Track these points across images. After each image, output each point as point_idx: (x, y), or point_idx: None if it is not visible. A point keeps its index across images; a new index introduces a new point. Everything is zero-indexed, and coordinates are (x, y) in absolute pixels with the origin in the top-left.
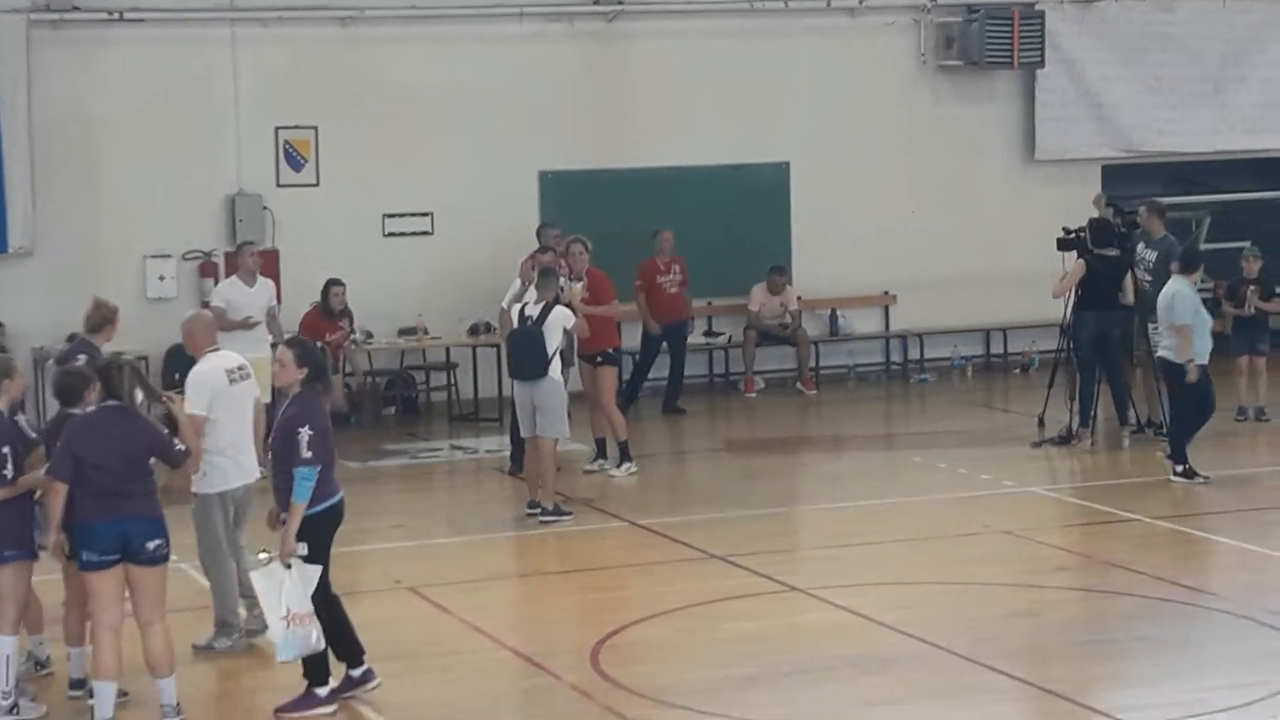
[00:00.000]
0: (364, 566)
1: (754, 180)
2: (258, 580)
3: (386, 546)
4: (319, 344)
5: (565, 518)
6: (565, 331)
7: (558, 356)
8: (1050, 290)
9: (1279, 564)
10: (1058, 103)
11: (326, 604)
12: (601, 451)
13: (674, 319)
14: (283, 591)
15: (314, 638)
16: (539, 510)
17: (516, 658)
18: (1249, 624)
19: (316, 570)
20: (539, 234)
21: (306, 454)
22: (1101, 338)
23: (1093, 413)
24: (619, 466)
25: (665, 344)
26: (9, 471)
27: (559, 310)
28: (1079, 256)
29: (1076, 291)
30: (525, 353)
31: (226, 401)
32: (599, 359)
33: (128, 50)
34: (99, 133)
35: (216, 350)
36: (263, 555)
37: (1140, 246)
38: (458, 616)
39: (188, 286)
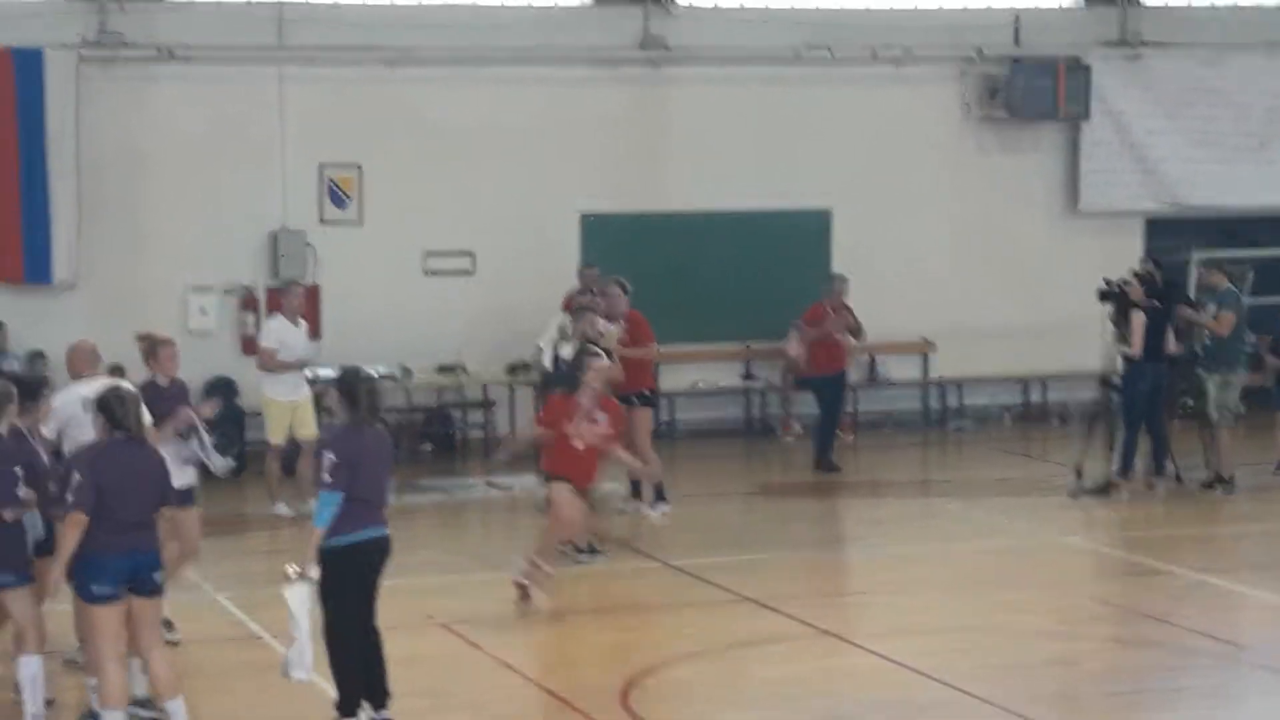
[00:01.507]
0: (397, 602)
1: (795, 226)
2: (287, 598)
3: (420, 582)
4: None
5: (597, 556)
6: None
7: None
8: (1125, 353)
9: None
10: (1102, 155)
11: (337, 642)
12: (636, 492)
13: (835, 368)
14: (302, 611)
15: (291, 664)
16: (570, 548)
17: (547, 696)
18: None
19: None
20: (580, 275)
21: (326, 478)
22: (1156, 389)
23: (1133, 462)
24: (653, 507)
25: (818, 392)
26: (21, 491)
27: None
28: (1138, 310)
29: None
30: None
31: (80, 430)
32: (635, 400)
33: (175, 87)
34: (145, 167)
35: (88, 378)
36: (289, 569)
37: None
38: (489, 654)
39: (229, 320)
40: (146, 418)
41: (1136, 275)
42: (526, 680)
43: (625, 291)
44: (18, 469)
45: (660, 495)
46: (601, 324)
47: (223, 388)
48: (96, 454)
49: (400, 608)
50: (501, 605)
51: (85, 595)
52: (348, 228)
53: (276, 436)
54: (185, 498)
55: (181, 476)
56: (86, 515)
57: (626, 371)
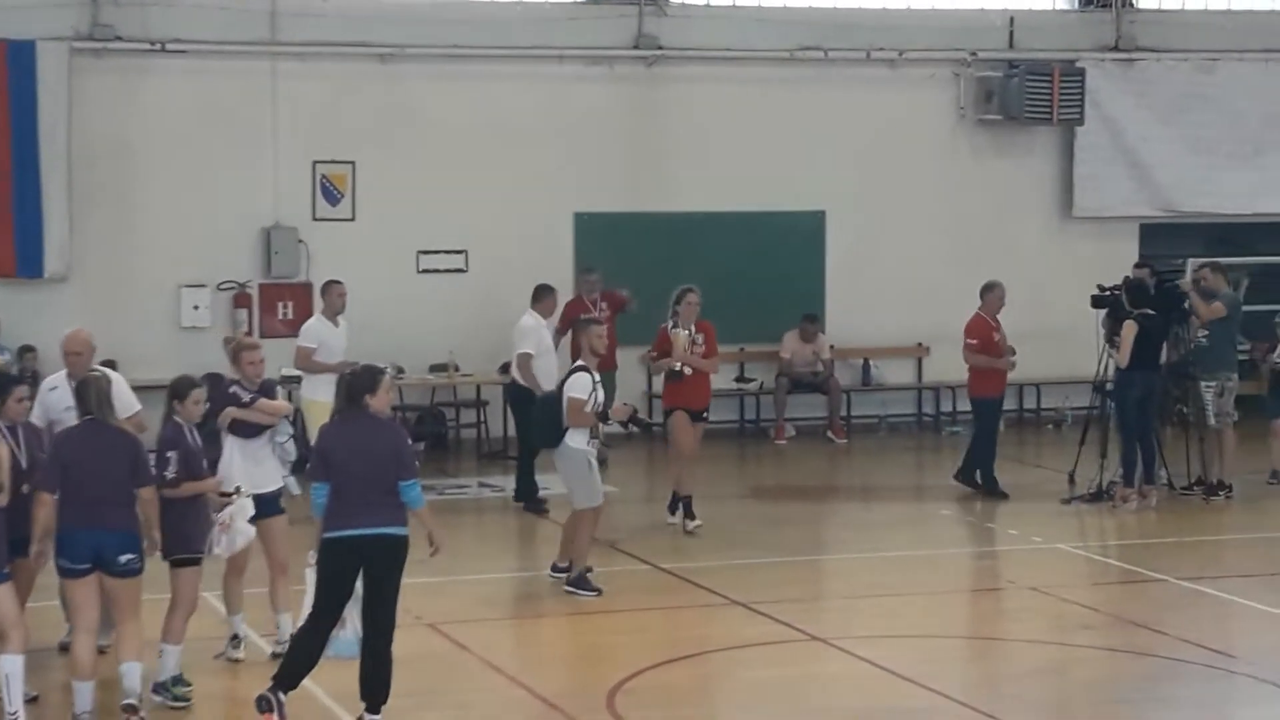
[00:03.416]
0: None
1: (789, 227)
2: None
3: (409, 581)
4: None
5: (588, 594)
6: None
7: (584, 430)
8: (1114, 358)
9: None
10: (1097, 160)
11: (308, 627)
12: (678, 505)
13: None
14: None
15: (347, 636)
16: (562, 573)
17: (533, 698)
18: (1272, 688)
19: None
20: (579, 281)
21: (309, 468)
22: (1147, 398)
23: (1137, 472)
24: (681, 519)
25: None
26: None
27: (575, 378)
28: (1128, 318)
29: (1113, 351)
30: (540, 419)
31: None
32: (705, 414)
33: (168, 81)
34: (137, 161)
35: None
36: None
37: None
38: (476, 654)
39: (221, 316)
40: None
41: (1127, 282)
42: (512, 681)
43: (699, 299)
44: None
45: (688, 509)
46: (682, 333)
47: (215, 384)
48: (64, 436)
49: None
50: (490, 606)
51: (58, 569)
52: (341, 225)
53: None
54: (271, 505)
55: (265, 479)
56: (51, 494)
57: (691, 386)
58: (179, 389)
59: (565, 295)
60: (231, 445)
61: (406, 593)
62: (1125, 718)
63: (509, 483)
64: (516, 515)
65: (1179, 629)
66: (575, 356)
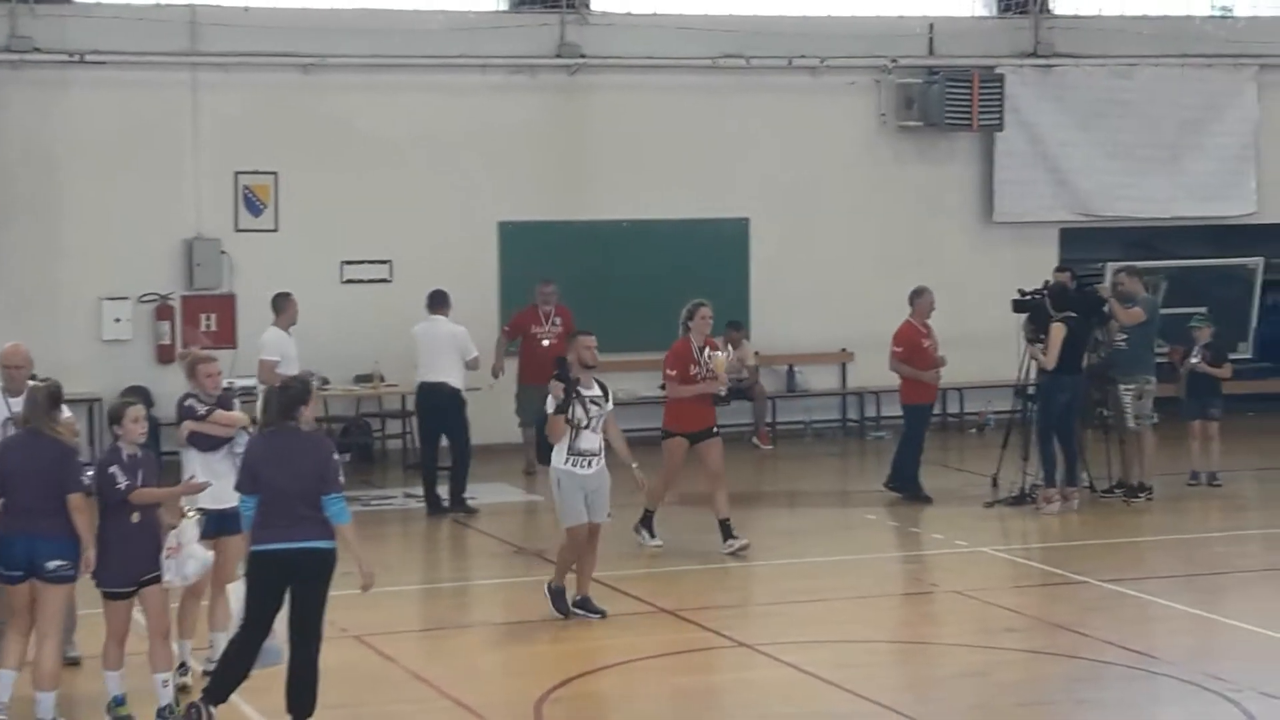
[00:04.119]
0: None
1: (713, 235)
2: (233, 590)
3: (335, 594)
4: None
5: (555, 614)
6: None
7: (562, 445)
8: (1040, 362)
9: (1224, 628)
10: (1016, 165)
11: (238, 640)
12: (729, 531)
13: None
14: (237, 606)
15: (274, 649)
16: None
17: (460, 709)
18: (1193, 689)
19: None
20: (538, 293)
21: (237, 482)
22: (1073, 401)
23: (1058, 474)
24: (725, 544)
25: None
26: None
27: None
28: (1057, 321)
29: (1037, 354)
30: (538, 439)
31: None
32: (716, 431)
33: (88, 92)
34: (58, 173)
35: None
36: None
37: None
38: (403, 666)
39: (143, 329)
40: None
41: (1049, 286)
42: (440, 693)
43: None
44: None
45: (729, 531)
46: (706, 353)
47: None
48: (3, 446)
49: None
50: (417, 617)
51: None
52: (264, 235)
53: None
54: (231, 521)
55: (226, 494)
56: None
57: (703, 407)
58: (114, 413)
59: (489, 305)
60: (192, 460)
61: (333, 605)
62: None
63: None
64: (443, 525)
65: (1101, 631)
66: (521, 367)
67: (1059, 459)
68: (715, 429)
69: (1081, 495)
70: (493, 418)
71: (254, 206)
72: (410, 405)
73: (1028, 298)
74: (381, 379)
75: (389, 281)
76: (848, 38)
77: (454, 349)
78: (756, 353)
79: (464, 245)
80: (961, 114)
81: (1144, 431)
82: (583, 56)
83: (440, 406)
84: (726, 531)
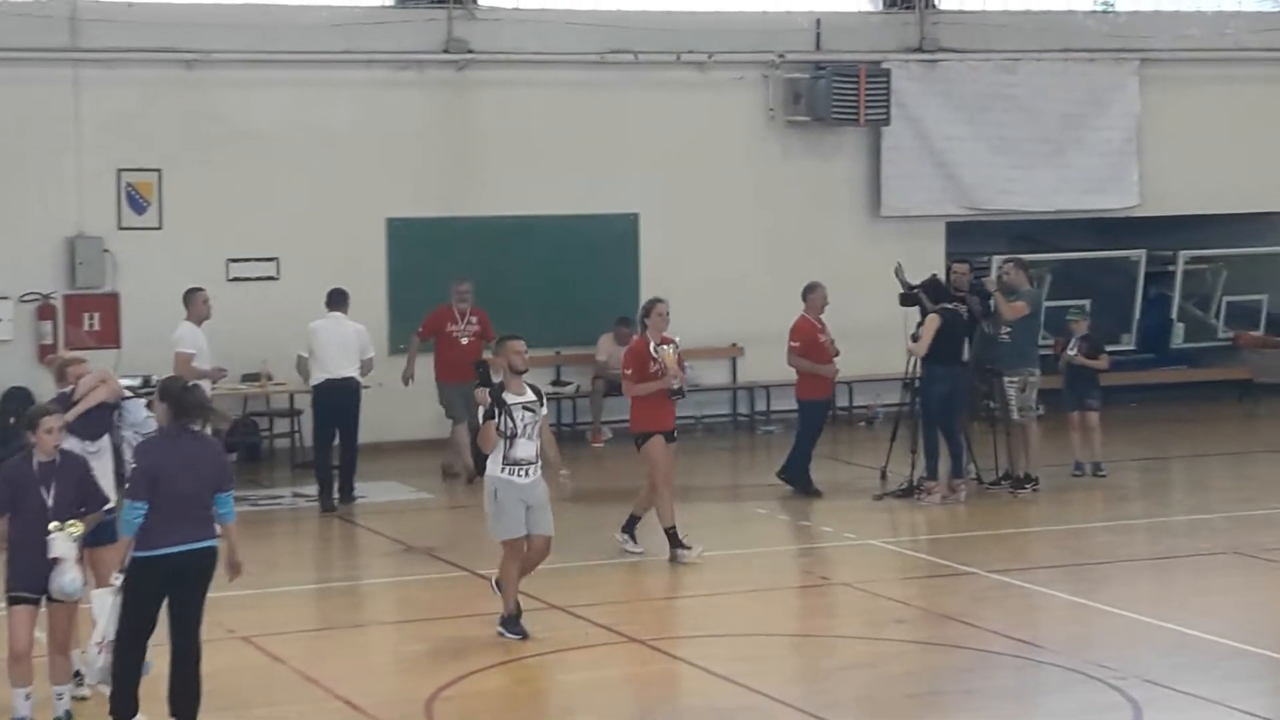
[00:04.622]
0: None
1: (602, 230)
2: (96, 599)
3: (222, 595)
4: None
5: (509, 635)
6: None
7: (496, 454)
8: (911, 350)
9: (1107, 617)
10: (903, 160)
11: (125, 652)
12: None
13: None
14: (105, 616)
15: (102, 669)
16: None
17: (349, 708)
18: (1078, 677)
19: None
20: (454, 291)
21: (127, 485)
22: (952, 392)
23: (938, 464)
24: (687, 550)
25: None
26: None
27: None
28: (933, 312)
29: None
30: (474, 449)
31: None
32: (676, 434)
33: None
34: None
35: None
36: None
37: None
38: (291, 666)
39: (25, 328)
40: None
41: (927, 280)
42: (329, 693)
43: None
44: None
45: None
46: (665, 349)
47: (18, 398)
48: None
49: None
50: (306, 617)
51: None
52: (148, 233)
53: None
54: (105, 531)
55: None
56: None
57: (669, 406)
58: (29, 420)
59: (377, 301)
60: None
61: (220, 606)
62: (938, 710)
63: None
64: (332, 525)
65: (988, 621)
66: (438, 366)
67: (943, 451)
68: (674, 433)
69: (969, 487)
70: (383, 417)
71: (137, 204)
72: (299, 404)
73: (914, 291)
74: (269, 378)
75: (276, 279)
76: (735, 33)
77: (356, 346)
78: None
79: (352, 242)
80: (848, 109)
81: (1028, 423)
82: (470, 52)
83: (343, 404)
84: (673, 540)
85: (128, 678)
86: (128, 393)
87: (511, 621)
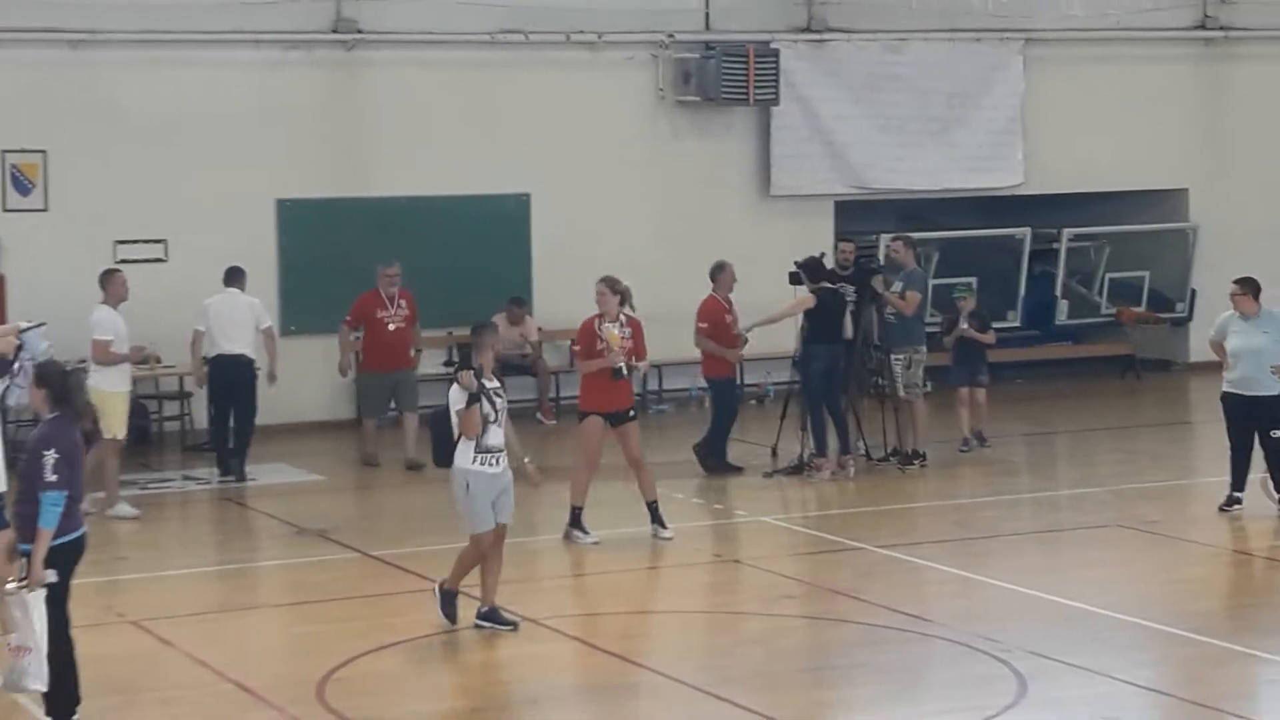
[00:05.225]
0: (85, 599)
1: (494, 211)
2: (29, 604)
3: (110, 579)
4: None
5: (503, 626)
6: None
7: (467, 444)
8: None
9: (993, 590)
10: (792, 140)
11: (62, 645)
12: (657, 516)
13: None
14: (33, 621)
15: (30, 674)
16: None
17: (240, 691)
18: (964, 650)
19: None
20: (380, 275)
21: (51, 478)
22: (832, 370)
23: (826, 441)
24: (586, 534)
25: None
26: None
27: (451, 391)
28: (812, 291)
29: (805, 326)
30: (434, 439)
31: None
32: (633, 414)
33: None
34: None
35: None
36: (10, 585)
37: (886, 280)
38: (181, 650)
39: None
40: None
41: (805, 260)
42: (220, 676)
43: (615, 292)
44: None
45: (657, 515)
46: (608, 326)
47: None
48: None
49: (88, 605)
50: (195, 600)
51: None
52: (33, 215)
53: (120, 431)
54: None
55: None
56: None
57: (617, 386)
58: None
59: (268, 283)
60: None
61: (108, 589)
62: (828, 684)
63: (214, 475)
64: (222, 509)
65: (877, 595)
66: (365, 354)
67: (829, 427)
68: (632, 411)
69: (858, 463)
70: (269, 399)
71: (22, 186)
72: (189, 386)
73: (795, 270)
74: (158, 360)
75: (164, 261)
76: (625, 13)
77: (251, 320)
78: (540, 328)
79: (241, 223)
80: (738, 89)
81: (915, 400)
82: (359, 32)
83: (236, 379)
84: (655, 515)
85: (66, 670)
86: (25, 324)
87: (449, 600)
